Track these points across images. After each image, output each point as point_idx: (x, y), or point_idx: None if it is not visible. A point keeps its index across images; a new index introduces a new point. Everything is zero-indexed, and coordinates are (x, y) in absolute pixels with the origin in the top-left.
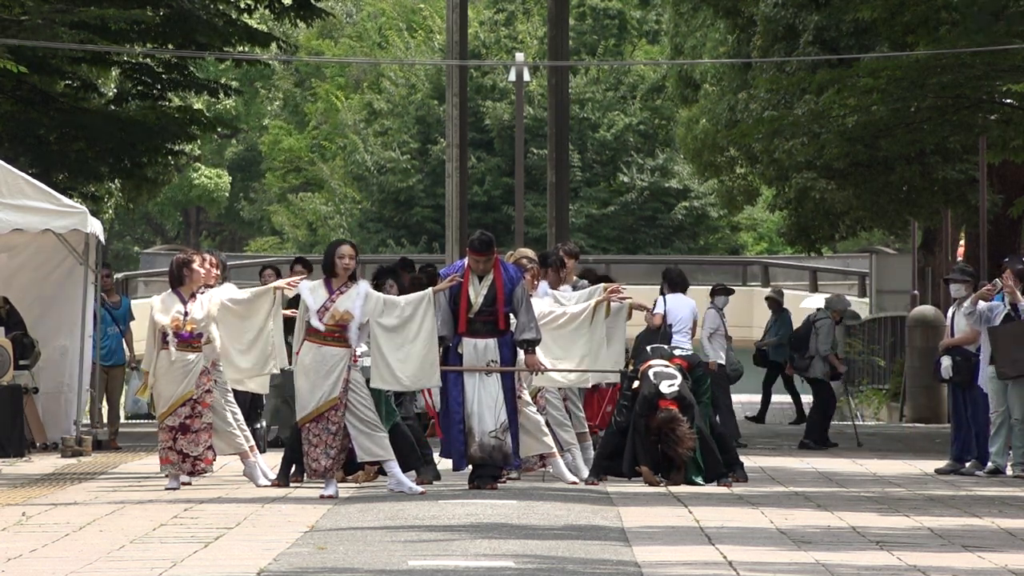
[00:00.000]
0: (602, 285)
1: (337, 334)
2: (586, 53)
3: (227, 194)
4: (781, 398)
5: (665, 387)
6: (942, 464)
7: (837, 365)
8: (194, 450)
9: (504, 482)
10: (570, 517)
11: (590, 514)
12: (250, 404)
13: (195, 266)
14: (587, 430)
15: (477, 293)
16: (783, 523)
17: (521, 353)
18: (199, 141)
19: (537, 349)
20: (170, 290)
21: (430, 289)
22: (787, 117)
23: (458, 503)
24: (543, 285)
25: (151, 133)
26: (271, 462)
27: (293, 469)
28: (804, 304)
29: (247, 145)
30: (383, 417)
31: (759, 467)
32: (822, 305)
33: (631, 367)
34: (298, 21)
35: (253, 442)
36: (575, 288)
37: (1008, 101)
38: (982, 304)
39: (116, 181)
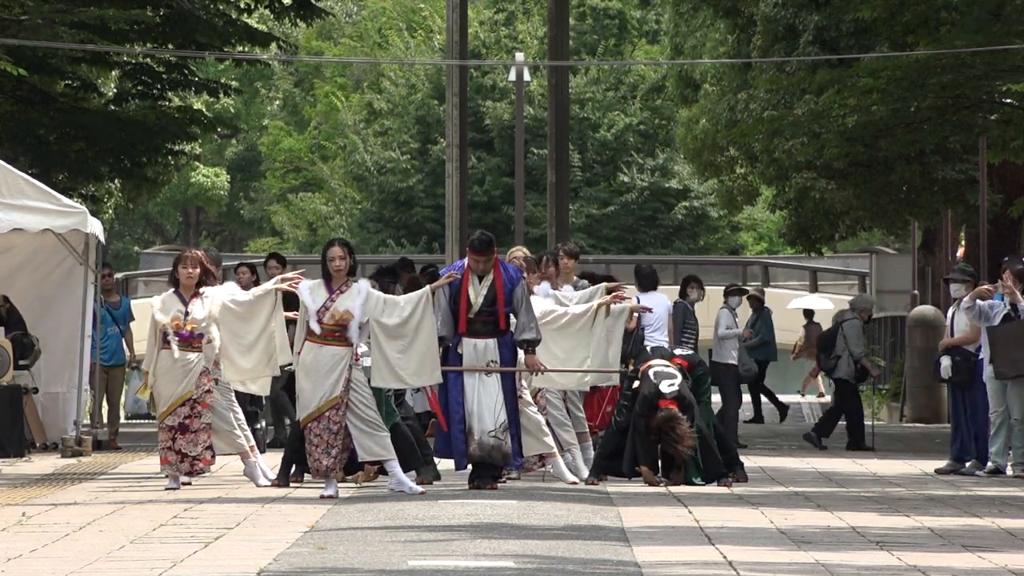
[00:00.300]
0: (603, 285)
1: (338, 333)
2: (586, 53)
3: (224, 192)
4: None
5: (665, 387)
6: (942, 464)
7: (871, 369)
8: (192, 450)
9: (504, 482)
10: (570, 517)
11: (590, 514)
12: (250, 404)
13: (179, 267)
14: (587, 430)
15: (477, 293)
16: (783, 523)
17: (521, 353)
18: (199, 141)
19: (539, 352)
20: (172, 290)
21: (428, 287)
22: (787, 117)
23: (458, 503)
24: (545, 285)
25: (151, 133)
26: (271, 462)
27: (293, 469)
28: (792, 304)
29: (247, 145)
30: (383, 417)
31: (759, 467)
32: (810, 306)
33: (631, 367)
34: (298, 21)
35: (254, 442)
36: (575, 288)
37: (1008, 101)
38: (981, 301)
39: (116, 181)
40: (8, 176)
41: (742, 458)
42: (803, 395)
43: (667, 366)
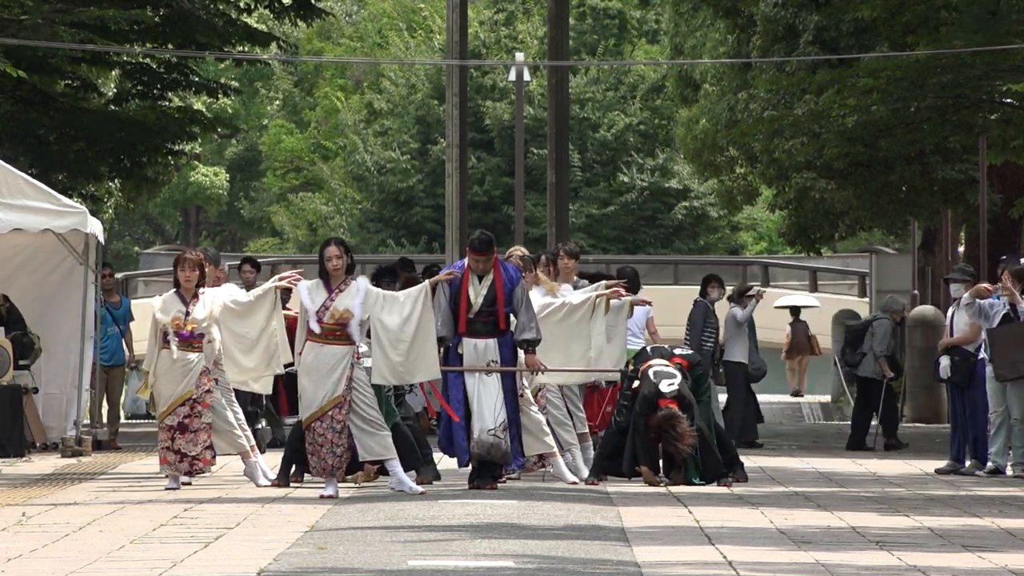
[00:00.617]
0: (603, 282)
1: (338, 332)
2: (586, 53)
3: (223, 192)
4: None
5: (665, 386)
6: (942, 464)
7: (885, 370)
8: (192, 450)
9: (504, 482)
10: (570, 517)
11: (590, 514)
12: (250, 404)
13: (178, 271)
14: (587, 430)
15: (477, 293)
16: (783, 523)
17: (521, 353)
18: (199, 141)
19: (539, 352)
20: (173, 290)
21: (426, 281)
22: (787, 117)
23: (458, 503)
24: (537, 292)
25: (151, 133)
26: (271, 462)
27: (293, 469)
28: (779, 303)
29: (247, 145)
30: (383, 416)
31: (759, 467)
32: (795, 303)
33: (631, 367)
34: (298, 21)
35: (254, 442)
36: (575, 288)
37: (1008, 101)
38: (980, 300)
39: (116, 181)
40: (8, 176)
41: (742, 458)
42: (803, 394)
43: (667, 366)
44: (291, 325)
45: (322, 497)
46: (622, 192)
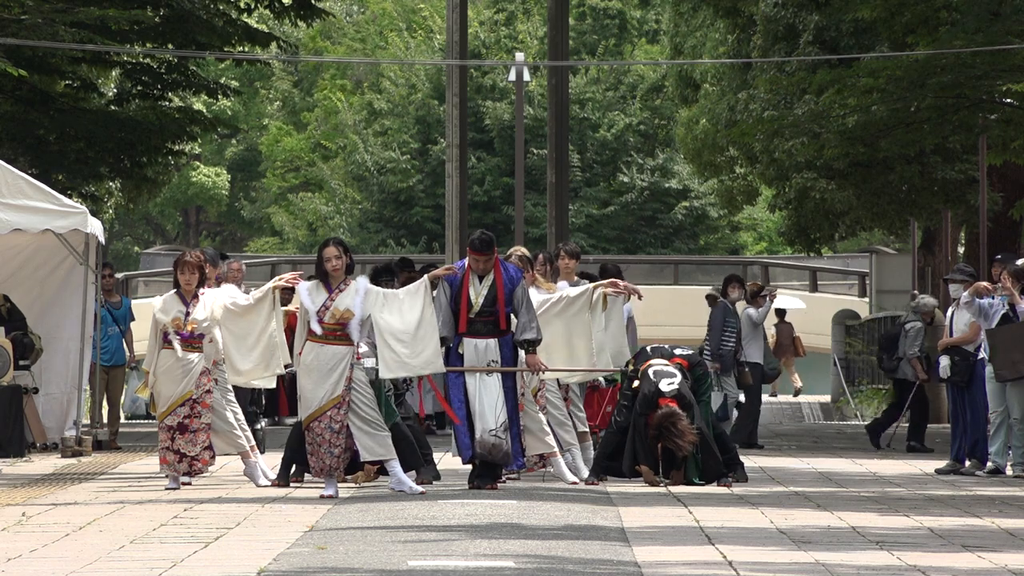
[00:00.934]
0: (602, 282)
1: (339, 332)
2: (586, 53)
3: (225, 192)
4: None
5: (665, 385)
6: (942, 464)
7: (918, 371)
8: (191, 450)
9: (504, 482)
10: (570, 517)
11: (590, 514)
12: (250, 404)
13: (178, 273)
14: (587, 430)
15: (478, 293)
16: (783, 523)
17: (522, 353)
18: (199, 141)
19: (540, 352)
20: (173, 291)
21: (425, 276)
22: (787, 117)
23: (458, 503)
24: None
25: (151, 133)
26: (271, 462)
27: (293, 469)
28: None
29: (247, 145)
30: (383, 416)
31: (759, 467)
32: (781, 305)
33: (631, 367)
34: (298, 21)
35: (254, 442)
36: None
37: (1008, 101)
38: (979, 298)
39: (116, 181)
40: (8, 176)
41: (742, 458)
42: (776, 394)
43: (666, 365)
44: (291, 324)
45: (322, 497)
46: (622, 192)
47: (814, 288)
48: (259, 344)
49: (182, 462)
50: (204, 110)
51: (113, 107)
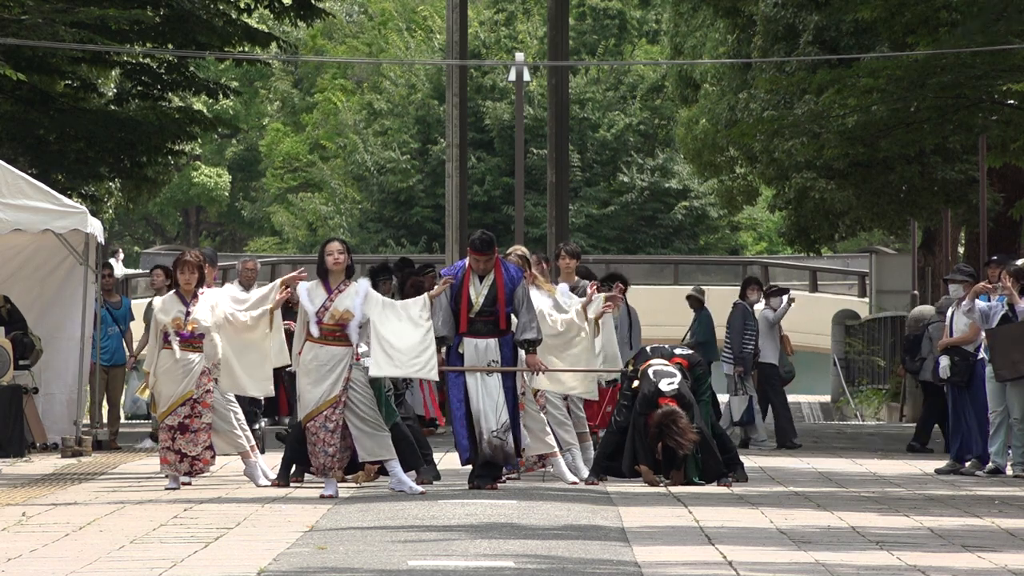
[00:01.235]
0: (603, 295)
1: (338, 333)
2: (586, 53)
3: (227, 193)
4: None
5: (664, 385)
6: (942, 464)
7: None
8: (192, 450)
9: (504, 482)
10: (570, 517)
11: (590, 514)
12: (250, 404)
13: (178, 274)
14: (587, 430)
15: (478, 293)
16: (783, 523)
17: (522, 353)
18: (199, 141)
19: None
20: (173, 291)
21: (426, 295)
22: (787, 117)
23: (458, 503)
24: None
25: (151, 133)
26: (271, 462)
27: (293, 469)
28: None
29: (247, 145)
30: (383, 417)
31: (759, 467)
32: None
33: (631, 367)
34: (298, 21)
35: (254, 442)
36: (575, 288)
37: (1009, 101)
38: (980, 303)
39: (116, 181)
40: (8, 176)
41: (742, 458)
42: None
43: (666, 365)
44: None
45: (322, 497)
46: (622, 192)
47: (814, 288)
48: (254, 361)
49: (183, 462)
50: (204, 110)
51: (113, 107)
